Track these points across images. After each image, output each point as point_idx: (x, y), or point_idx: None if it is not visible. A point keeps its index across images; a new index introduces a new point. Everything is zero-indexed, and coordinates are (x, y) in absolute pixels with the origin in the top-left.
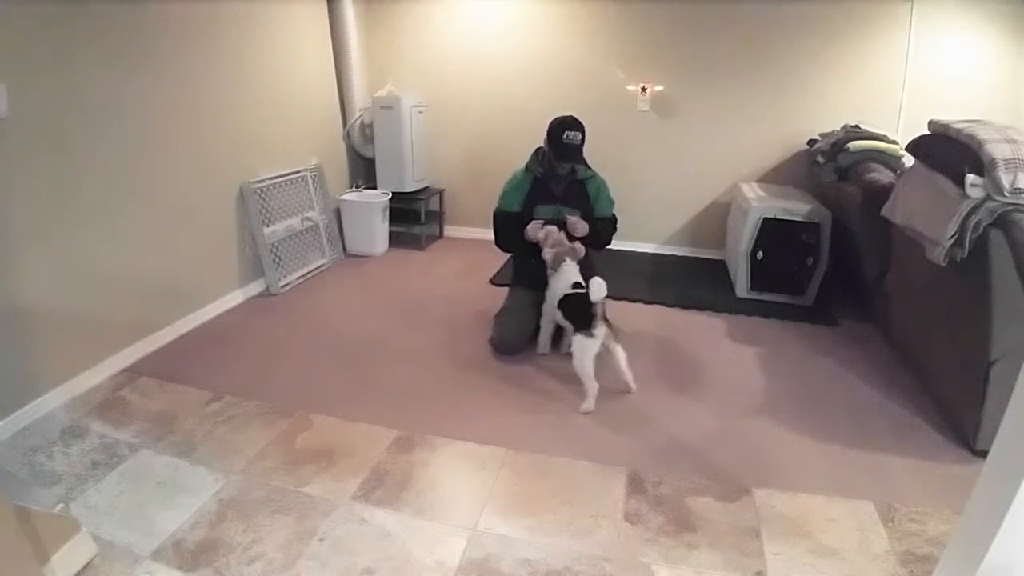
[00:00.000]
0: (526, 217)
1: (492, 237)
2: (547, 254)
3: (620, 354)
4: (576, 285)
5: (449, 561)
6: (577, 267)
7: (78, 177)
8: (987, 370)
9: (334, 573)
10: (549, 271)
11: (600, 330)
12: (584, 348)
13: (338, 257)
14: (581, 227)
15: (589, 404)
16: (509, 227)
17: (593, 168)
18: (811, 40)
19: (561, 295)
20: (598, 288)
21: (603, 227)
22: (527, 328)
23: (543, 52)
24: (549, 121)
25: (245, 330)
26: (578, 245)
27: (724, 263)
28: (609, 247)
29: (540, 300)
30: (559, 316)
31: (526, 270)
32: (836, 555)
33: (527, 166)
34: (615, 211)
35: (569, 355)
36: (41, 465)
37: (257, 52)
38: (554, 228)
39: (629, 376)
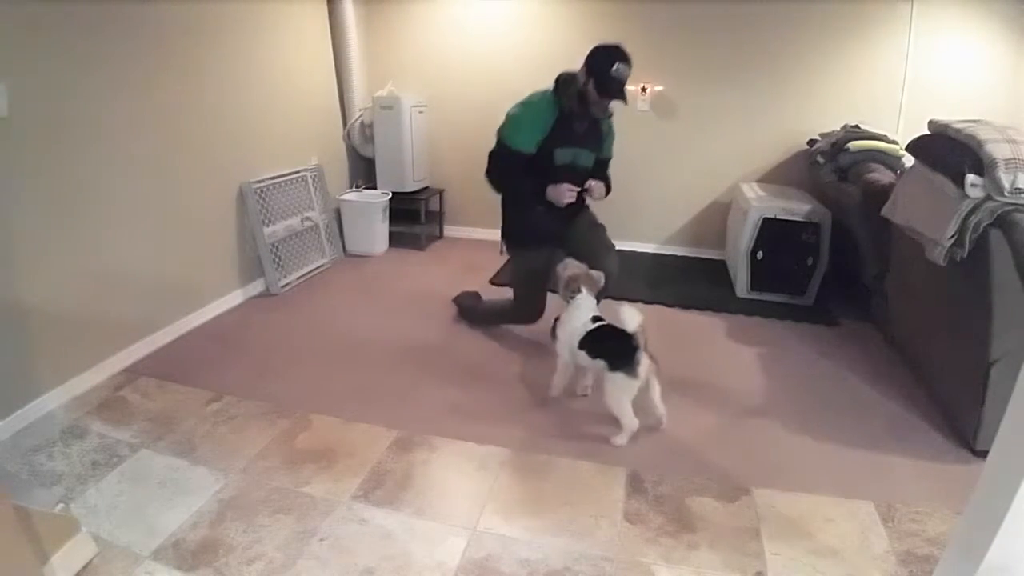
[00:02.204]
0: (541, 161)
1: (492, 232)
2: (560, 281)
3: (656, 388)
4: (596, 319)
5: (449, 561)
6: (593, 299)
7: (77, 176)
8: (987, 370)
9: (334, 573)
10: (563, 300)
11: (644, 366)
12: (624, 389)
13: (338, 257)
14: (599, 192)
15: (623, 439)
16: (515, 171)
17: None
18: (811, 40)
19: (581, 333)
20: (632, 317)
21: (607, 173)
22: (545, 295)
23: (543, 52)
24: (591, 49)
25: (245, 330)
26: (595, 273)
27: (724, 263)
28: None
29: (551, 259)
30: (582, 358)
31: (532, 223)
32: (836, 555)
33: (556, 97)
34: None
35: (584, 396)
36: (41, 465)
37: (257, 52)
38: (575, 262)
39: (663, 410)
